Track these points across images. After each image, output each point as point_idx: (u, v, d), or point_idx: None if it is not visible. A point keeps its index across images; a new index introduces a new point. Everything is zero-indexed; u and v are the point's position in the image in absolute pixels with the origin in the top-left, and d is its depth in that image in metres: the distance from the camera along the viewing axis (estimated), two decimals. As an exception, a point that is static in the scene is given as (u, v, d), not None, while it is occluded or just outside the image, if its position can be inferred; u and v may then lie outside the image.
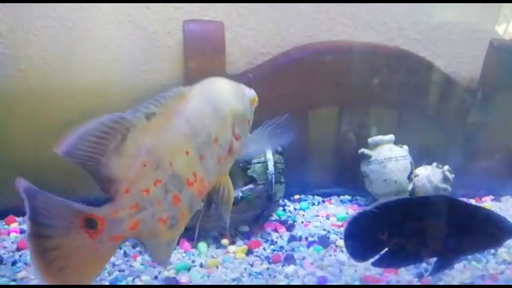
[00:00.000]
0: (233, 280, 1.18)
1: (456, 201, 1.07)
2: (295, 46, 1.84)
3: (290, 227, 1.48)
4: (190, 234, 1.33)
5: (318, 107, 1.90)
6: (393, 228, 1.10)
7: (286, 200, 1.73)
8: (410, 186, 1.60)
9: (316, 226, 1.52)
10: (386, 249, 1.12)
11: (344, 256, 1.32)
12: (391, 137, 1.62)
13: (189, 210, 0.86)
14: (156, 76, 1.77)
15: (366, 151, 1.61)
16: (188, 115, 0.82)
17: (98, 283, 1.13)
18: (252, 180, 1.35)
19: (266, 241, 1.40)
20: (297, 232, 1.47)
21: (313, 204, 1.73)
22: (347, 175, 1.83)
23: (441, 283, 1.21)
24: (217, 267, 1.24)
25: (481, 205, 1.81)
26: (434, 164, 1.60)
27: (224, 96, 0.89)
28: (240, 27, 1.84)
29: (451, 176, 1.55)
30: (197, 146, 0.83)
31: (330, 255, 1.32)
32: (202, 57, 1.70)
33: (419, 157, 1.77)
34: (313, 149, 1.92)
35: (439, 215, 1.04)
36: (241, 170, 1.35)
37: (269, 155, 1.39)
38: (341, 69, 1.85)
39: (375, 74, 1.88)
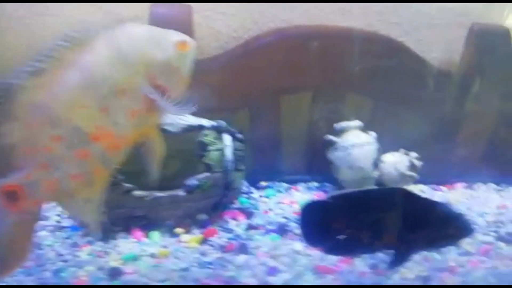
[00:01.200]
0: (182, 270, 1.16)
1: (414, 195, 1.03)
2: (267, 31, 1.80)
3: (249, 215, 1.45)
4: (144, 224, 1.33)
5: (291, 92, 1.85)
6: (347, 218, 1.07)
7: (252, 188, 1.71)
8: (377, 173, 1.57)
9: (277, 213, 1.49)
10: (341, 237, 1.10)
11: (300, 245, 1.29)
12: (357, 123, 1.58)
13: (104, 165, 0.83)
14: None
15: (331, 137, 1.57)
16: (84, 65, 0.76)
17: (41, 274, 1.11)
18: (208, 167, 1.32)
19: (224, 229, 1.37)
20: (256, 220, 1.44)
21: (279, 191, 1.69)
22: (317, 162, 1.80)
23: (397, 275, 1.19)
24: (167, 256, 1.22)
25: (452, 191, 1.79)
26: (402, 151, 1.56)
27: (134, 41, 0.80)
28: (211, 10, 1.79)
29: (418, 163, 1.51)
30: (97, 98, 0.77)
31: (286, 244, 1.30)
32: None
33: (395, 144, 1.74)
34: (285, 136, 1.89)
35: (394, 208, 1.01)
36: (197, 158, 1.31)
37: (227, 141, 1.35)
38: (315, 54, 1.79)
39: (351, 59, 1.83)
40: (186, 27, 1.62)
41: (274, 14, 1.82)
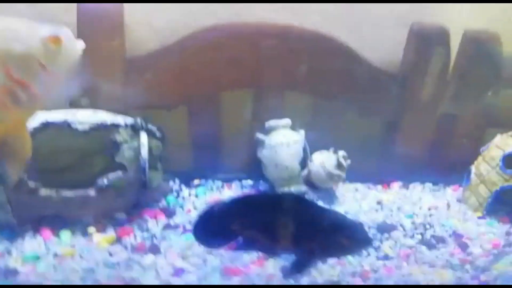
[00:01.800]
0: (84, 270, 1.12)
1: (308, 202, 1.02)
2: (204, 27, 1.76)
3: (171, 214, 1.42)
4: (56, 222, 1.30)
5: (230, 90, 1.81)
6: (244, 221, 1.06)
7: (184, 186, 1.68)
8: (305, 172, 1.55)
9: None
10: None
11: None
12: (286, 121, 1.55)
13: None
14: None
15: (260, 135, 1.54)
16: None
17: None
18: (121, 166, 1.28)
19: (140, 229, 1.34)
20: (177, 219, 1.41)
21: (211, 189, 1.65)
22: (254, 160, 1.78)
23: (306, 278, 1.17)
24: (72, 256, 1.19)
25: (387, 191, 1.78)
26: (331, 149, 1.54)
27: None
28: (152, 7, 1.73)
29: (345, 162, 1.49)
30: None
31: (200, 245, 1.28)
32: (97, 38, 1.61)
33: (334, 144, 1.72)
34: (224, 134, 1.86)
35: (290, 213, 1.00)
36: (109, 156, 1.28)
37: (143, 139, 1.31)
38: (255, 51, 1.74)
39: (291, 58, 1.79)
40: (116, 26, 1.60)
41: (213, 11, 1.79)
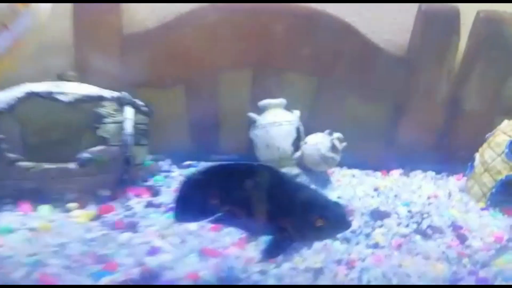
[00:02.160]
0: (58, 245, 1.09)
1: (283, 177, 0.94)
2: (202, 5, 1.69)
3: (156, 193, 1.38)
4: (36, 197, 1.27)
5: (229, 70, 1.76)
6: (223, 193, 0.99)
7: (174, 166, 1.64)
8: (298, 154, 1.48)
9: (187, 193, 1.43)
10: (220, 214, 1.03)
11: (194, 225, 1.22)
12: (280, 101, 1.49)
13: None
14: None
15: (251, 115, 1.48)
16: None
17: None
18: (104, 140, 1.25)
19: (123, 207, 1.30)
20: (162, 198, 1.37)
21: (202, 170, 1.63)
22: (250, 142, 1.72)
23: (288, 263, 1.11)
24: (48, 231, 1.16)
25: (386, 178, 1.71)
26: (326, 131, 1.46)
27: None
28: None
29: (340, 145, 1.42)
30: None
31: (181, 224, 1.24)
32: (92, 13, 1.57)
33: (335, 129, 1.65)
34: (220, 115, 1.81)
35: (263, 187, 0.93)
36: (91, 129, 1.24)
37: (129, 114, 1.27)
38: (255, 31, 1.68)
39: (294, 38, 1.72)
40: (113, 3, 1.58)
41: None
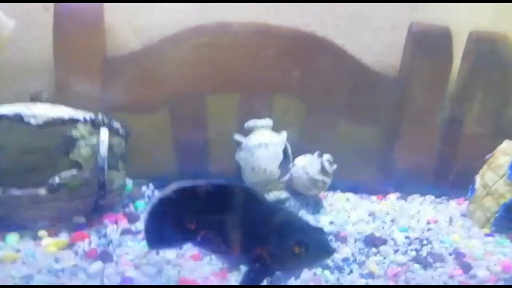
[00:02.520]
0: (23, 277, 1.00)
1: (261, 199, 0.86)
2: (187, 28, 1.67)
3: (134, 220, 1.29)
4: (6, 225, 1.18)
5: (216, 93, 1.71)
6: (197, 215, 0.91)
7: (156, 191, 1.54)
8: (286, 177, 1.40)
9: (168, 219, 1.35)
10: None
11: (173, 254, 1.13)
12: (266, 121, 1.42)
13: None
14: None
15: (237, 136, 1.42)
16: None
17: None
18: (76, 165, 1.18)
19: (98, 234, 1.22)
20: (140, 225, 1.27)
21: (187, 196, 1.55)
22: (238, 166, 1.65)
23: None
24: (14, 261, 1.07)
25: (383, 202, 1.62)
26: (316, 153, 1.39)
27: None
28: (135, 8, 1.66)
29: (330, 167, 1.34)
30: None
31: (159, 253, 1.14)
32: (74, 35, 1.55)
33: (327, 151, 1.58)
34: (206, 138, 1.73)
35: (238, 209, 0.85)
36: (64, 154, 1.18)
37: (103, 136, 1.20)
38: (241, 53, 1.65)
39: (280, 59, 1.67)
40: (95, 24, 1.54)
41: (196, 11, 1.71)
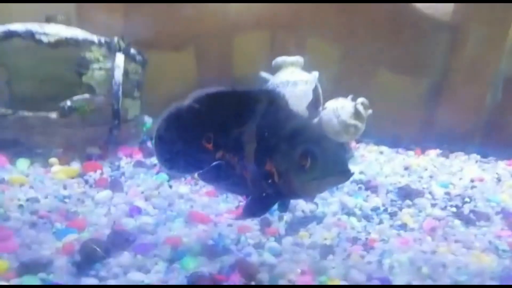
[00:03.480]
0: (27, 200, 0.96)
1: (283, 105, 0.71)
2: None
3: (149, 154, 1.22)
4: (18, 150, 1.13)
5: (245, 31, 1.57)
6: (216, 132, 0.79)
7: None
8: (315, 120, 1.26)
9: (185, 157, 1.27)
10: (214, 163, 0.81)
11: (186, 188, 1.06)
12: (296, 59, 1.29)
13: None
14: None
15: (263, 74, 1.29)
16: None
17: None
18: (89, 89, 1.10)
19: (111, 166, 1.16)
20: (155, 160, 1.19)
21: (208, 137, 1.46)
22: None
23: (290, 237, 0.90)
24: (22, 185, 1.03)
25: (422, 157, 1.47)
26: (350, 96, 1.25)
27: None
28: None
29: (365, 111, 1.19)
30: None
31: (172, 186, 1.07)
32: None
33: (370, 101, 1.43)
34: (234, 78, 1.63)
35: (258, 118, 0.71)
36: (77, 75, 1.10)
37: (119, 61, 1.12)
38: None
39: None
40: None
41: None
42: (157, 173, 1.12)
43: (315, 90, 1.27)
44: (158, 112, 1.46)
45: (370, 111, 1.23)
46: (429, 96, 1.56)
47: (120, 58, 1.10)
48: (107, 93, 1.09)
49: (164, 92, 1.52)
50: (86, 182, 1.06)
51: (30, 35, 1.04)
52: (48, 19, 1.15)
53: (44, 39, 1.04)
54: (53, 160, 1.11)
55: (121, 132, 1.15)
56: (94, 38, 1.11)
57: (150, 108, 1.36)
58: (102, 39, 1.11)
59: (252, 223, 0.95)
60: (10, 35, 1.04)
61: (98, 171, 1.12)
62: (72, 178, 1.08)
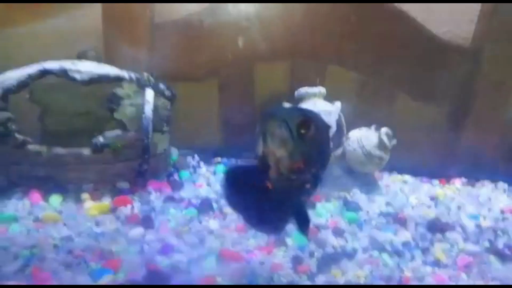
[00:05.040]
0: (61, 238, 0.97)
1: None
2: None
3: (178, 188, 1.24)
4: (50, 186, 1.15)
5: (265, 61, 1.61)
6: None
7: (203, 162, 1.50)
8: (338, 152, 1.28)
9: (213, 189, 1.26)
10: None
11: (216, 224, 1.06)
12: (319, 89, 1.30)
13: None
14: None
15: (286, 105, 1.30)
16: None
17: None
18: (120, 125, 1.12)
19: (141, 200, 1.16)
20: (184, 193, 1.22)
21: (232, 168, 1.47)
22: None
23: (323, 276, 0.90)
24: (55, 222, 1.04)
25: (447, 186, 1.45)
26: (373, 126, 1.25)
27: None
28: None
29: (389, 142, 1.19)
30: None
31: (202, 221, 1.07)
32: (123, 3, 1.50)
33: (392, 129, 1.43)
34: (255, 109, 1.66)
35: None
36: (109, 112, 1.12)
37: (149, 97, 1.14)
38: (294, 19, 1.53)
39: (334, 26, 1.53)
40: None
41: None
42: (186, 207, 1.14)
43: (338, 120, 1.28)
44: (183, 143, 1.50)
45: (394, 141, 1.23)
46: (452, 122, 1.55)
47: (150, 93, 1.13)
48: (138, 128, 1.11)
49: (189, 122, 1.56)
50: (118, 218, 1.08)
51: (64, 73, 1.07)
52: (80, 56, 1.19)
53: (78, 77, 1.07)
54: (85, 195, 1.13)
55: (150, 166, 1.17)
56: (125, 74, 1.14)
57: (175, 139, 1.39)
58: (133, 75, 1.14)
59: (284, 261, 0.95)
60: (45, 73, 1.07)
61: (129, 206, 1.13)
62: (104, 214, 1.09)
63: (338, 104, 1.29)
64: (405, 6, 1.59)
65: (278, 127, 0.69)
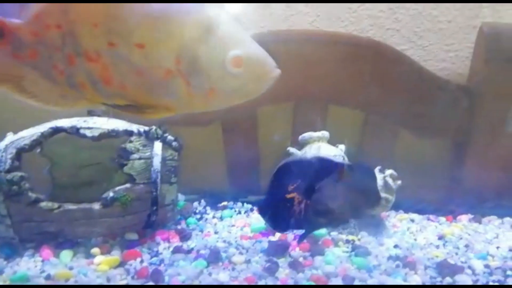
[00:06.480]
0: (74, 297, 0.99)
1: None
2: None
3: (186, 237, 1.24)
4: (60, 242, 1.17)
5: (269, 103, 1.66)
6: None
7: (209, 208, 1.52)
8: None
9: (220, 237, 1.27)
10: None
11: (225, 275, 1.06)
12: (322, 134, 1.33)
13: (91, 84, 0.82)
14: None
15: (291, 149, 1.33)
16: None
17: None
18: (130, 179, 1.15)
19: (150, 252, 1.18)
20: (192, 243, 1.23)
21: (239, 213, 1.48)
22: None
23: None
24: (66, 280, 1.05)
25: (454, 224, 1.46)
26: (377, 168, 1.27)
27: (188, 21, 0.79)
28: None
29: (393, 183, 1.21)
30: (108, 30, 0.78)
31: (211, 273, 1.07)
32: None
33: (388, 166, 1.45)
34: (259, 152, 1.69)
35: None
36: (119, 166, 1.15)
37: (157, 149, 1.17)
38: (295, 60, 1.58)
39: (336, 67, 1.59)
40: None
41: (253, 21, 1.67)
42: (195, 258, 1.14)
43: (344, 166, 1.30)
44: (188, 189, 1.51)
45: (399, 182, 1.25)
46: (454, 158, 1.58)
47: (158, 146, 1.16)
48: (147, 181, 1.13)
49: (194, 168, 1.59)
50: (128, 272, 1.08)
51: (75, 130, 1.10)
52: (89, 112, 1.23)
53: (88, 133, 1.11)
54: (95, 250, 1.14)
55: (159, 217, 1.19)
56: (134, 128, 1.17)
57: (181, 185, 1.40)
58: (141, 129, 1.18)
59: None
60: (57, 131, 1.11)
61: (138, 259, 1.14)
62: (114, 268, 1.10)
63: (342, 147, 1.32)
64: (401, 46, 1.67)
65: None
